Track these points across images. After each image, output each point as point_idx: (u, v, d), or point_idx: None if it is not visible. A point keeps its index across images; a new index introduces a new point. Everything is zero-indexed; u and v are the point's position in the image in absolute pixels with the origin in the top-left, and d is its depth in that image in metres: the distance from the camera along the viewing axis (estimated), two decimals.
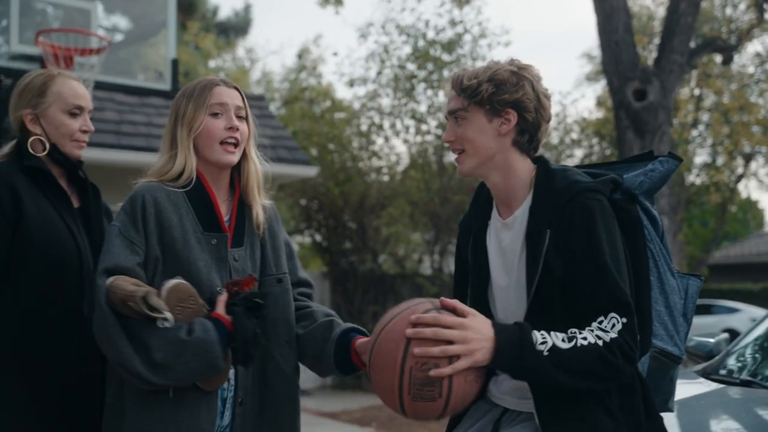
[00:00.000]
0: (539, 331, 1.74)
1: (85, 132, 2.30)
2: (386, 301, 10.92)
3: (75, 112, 2.28)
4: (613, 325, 1.74)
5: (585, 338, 1.73)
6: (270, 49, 34.24)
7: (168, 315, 1.82)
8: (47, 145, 2.24)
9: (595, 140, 12.36)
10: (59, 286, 2.13)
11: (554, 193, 1.85)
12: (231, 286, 1.96)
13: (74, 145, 2.28)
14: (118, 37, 7.85)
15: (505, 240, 1.94)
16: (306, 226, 11.98)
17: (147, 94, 7.87)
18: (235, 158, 2.08)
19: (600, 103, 13.35)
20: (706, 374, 3.04)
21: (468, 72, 1.92)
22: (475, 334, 1.70)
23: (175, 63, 6.62)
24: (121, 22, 9.14)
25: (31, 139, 2.23)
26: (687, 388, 2.79)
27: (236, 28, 23.95)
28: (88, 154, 2.41)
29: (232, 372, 1.99)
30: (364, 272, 10.79)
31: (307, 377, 9.83)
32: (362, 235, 10.79)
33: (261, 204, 2.12)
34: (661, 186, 2.01)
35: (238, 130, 2.09)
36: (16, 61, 6.17)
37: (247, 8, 24.58)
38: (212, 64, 19.44)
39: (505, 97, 1.87)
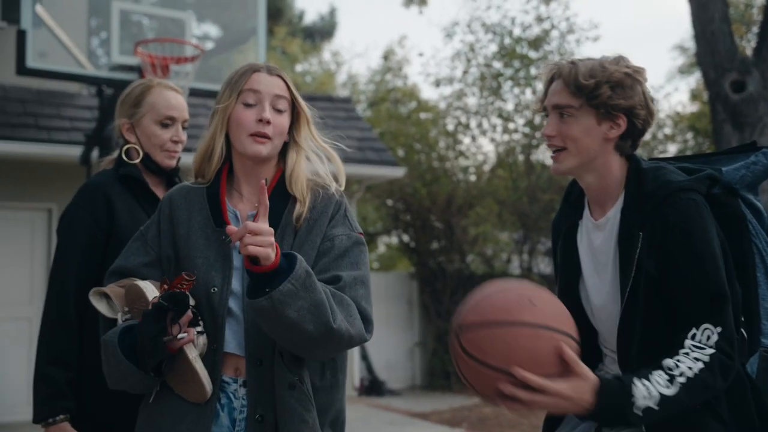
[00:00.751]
0: (640, 379, 1.65)
1: (176, 142, 2.33)
2: None
3: (166, 122, 2.32)
4: (708, 337, 1.68)
5: (682, 373, 1.66)
6: (355, 52, 34.62)
7: (118, 316, 1.85)
8: (141, 154, 2.32)
9: (689, 135, 11.98)
10: None
11: (646, 195, 1.79)
12: (162, 284, 1.82)
13: (165, 155, 2.33)
14: (209, 45, 8.11)
15: (597, 241, 1.90)
16: (393, 227, 12.07)
17: None
18: (264, 150, 1.89)
19: (694, 96, 12.92)
20: None
21: (582, 68, 1.82)
22: (570, 404, 1.61)
23: None
24: (212, 30, 9.43)
25: (126, 147, 2.33)
26: None
27: (322, 32, 24.29)
28: (184, 159, 2.50)
29: (241, 389, 1.83)
30: (452, 272, 10.79)
31: (397, 377, 9.99)
32: (450, 235, 10.79)
33: (309, 197, 1.93)
34: (764, 178, 1.93)
35: (269, 123, 1.89)
36: (117, 72, 6.36)
37: (333, 12, 24.90)
38: (299, 68, 19.81)
39: (620, 102, 1.80)
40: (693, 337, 1.69)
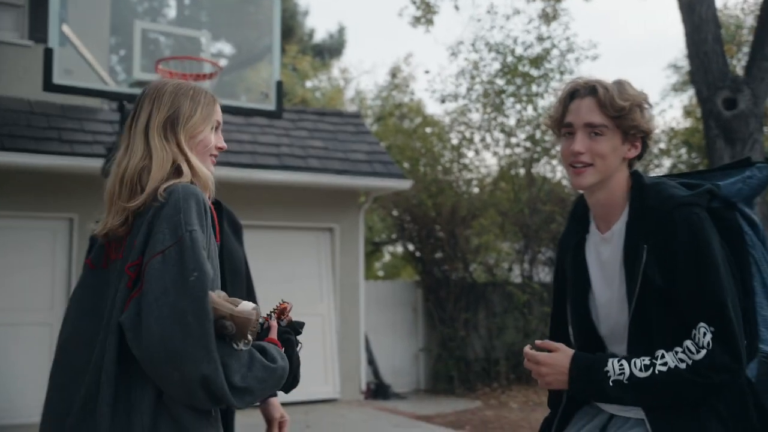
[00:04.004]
0: (619, 360, 1.83)
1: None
2: (477, 309, 11.13)
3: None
4: (704, 334, 1.76)
5: (665, 363, 1.78)
6: (363, 69, 34.97)
7: (250, 339, 1.70)
8: None
9: (683, 150, 12.25)
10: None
11: (650, 209, 1.86)
12: (279, 313, 1.87)
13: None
14: (223, 62, 8.37)
15: (605, 254, 1.97)
16: (399, 237, 12.32)
17: (251, 115, 8.43)
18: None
19: (688, 112, 13.21)
20: None
21: (618, 90, 1.90)
22: (549, 369, 1.90)
23: (279, 84, 7.10)
24: (226, 48, 9.75)
25: None
26: None
27: (331, 49, 24.62)
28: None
29: None
30: (456, 280, 11.03)
31: (403, 382, 10.19)
32: (453, 244, 11.04)
33: None
34: (760, 192, 2.02)
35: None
36: (137, 87, 6.54)
37: (341, 30, 25.25)
38: (309, 84, 20.16)
39: (644, 125, 1.91)
40: (691, 337, 1.78)
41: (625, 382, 1.80)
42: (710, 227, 1.83)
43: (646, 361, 1.80)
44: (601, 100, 1.88)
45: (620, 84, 1.92)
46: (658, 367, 1.78)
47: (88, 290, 1.88)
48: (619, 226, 1.93)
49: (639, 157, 1.97)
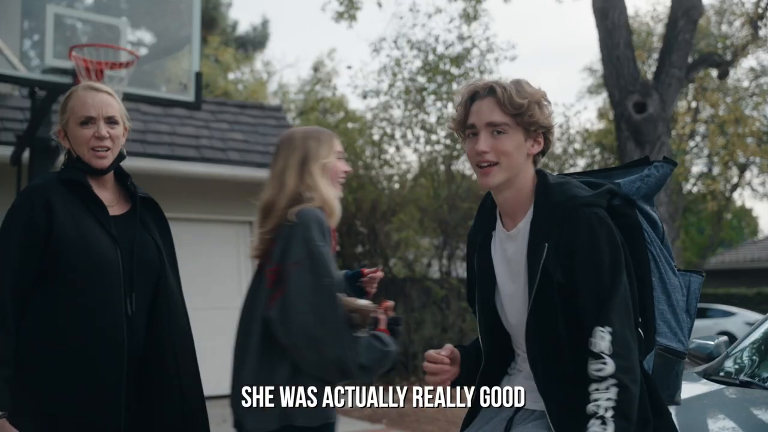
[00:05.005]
0: None
1: (99, 138, 2.27)
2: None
3: (85, 121, 2.28)
4: (602, 338, 1.78)
5: (607, 408, 1.75)
6: (286, 62, 34.90)
7: (368, 328, 2.25)
8: (74, 157, 2.32)
9: (596, 150, 12.66)
10: (101, 288, 2.19)
11: (553, 208, 1.90)
12: (387, 309, 2.37)
13: (92, 154, 2.28)
14: (143, 51, 8.19)
15: (510, 250, 2.00)
16: None
17: (171, 105, 8.28)
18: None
19: (601, 114, 13.67)
20: (707, 375, 3.08)
21: (515, 89, 1.93)
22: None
23: (198, 76, 6.99)
24: (146, 36, 9.54)
25: (63, 152, 2.37)
26: (688, 388, 2.79)
27: (254, 42, 24.36)
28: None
29: None
30: None
31: None
32: (374, 240, 11.12)
33: None
34: (657, 190, 2.07)
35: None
36: (50, 74, 6.32)
37: (265, 23, 25.01)
38: (231, 76, 19.93)
39: (544, 121, 1.94)
40: (593, 355, 1.78)
41: None
42: (610, 226, 1.86)
43: (596, 421, 1.75)
44: (500, 99, 1.91)
45: (518, 83, 1.96)
46: (607, 415, 1.74)
47: (250, 288, 2.42)
48: (524, 224, 1.96)
49: (543, 153, 2.00)
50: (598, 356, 1.78)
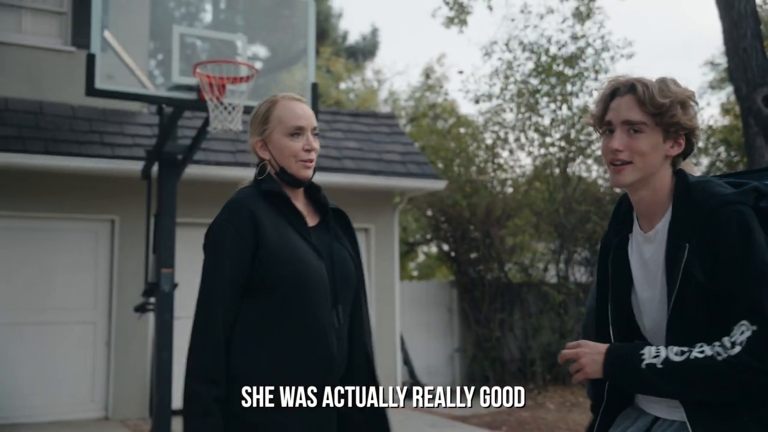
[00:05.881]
0: (657, 346, 1.83)
1: (308, 151, 2.28)
2: (513, 309, 11.11)
3: (296, 132, 2.28)
4: (742, 332, 1.73)
5: (702, 351, 1.77)
6: (396, 70, 35.05)
7: None
8: (277, 169, 2.29)
9: (722, 148, 12.09)
10: (310, 301, 2.14)
11: (694, 207, 1.85)
12: None
13: (300, 166, 2.28)
14: (259, 65, 8.43)
15: (647, 253, 1.96)
16: (433, 237, 12.35)
17: None
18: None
19: (726, 110, 13.04)
20: None
21: (658, 87, 1.90)
22: (586, 349, 1.91)
23: (314, 86, 7.17)
24: (260, 51, 9.85)
25: (261, 164, 2.31)
26: None
27: (364, 51, 24.72)
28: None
29: None
30: (491, 281, 11.03)
31: (438, 382, 10.18)
32: (488, 244, 11.04)
33: None
34: None
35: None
36: (175, 91, 6.58)
37: (374, 32, 25.35)
38: (343, 86, 20.29)
39: (686, 122, 1.90)
40: (729, 333, 1.76)
41: (660, 365, 1.79)
42: (756, 225, 1.80)
43: (684, 348, 1.80)
44: (640, 98, 1.88)
45: (663, 81, 1.92)
46: (695, 353, 1.77)
47: None
48: (663, 225, 1.92)
49: (685, 155, 1.96)
50: (727, 345, 1.75)
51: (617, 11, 33.71)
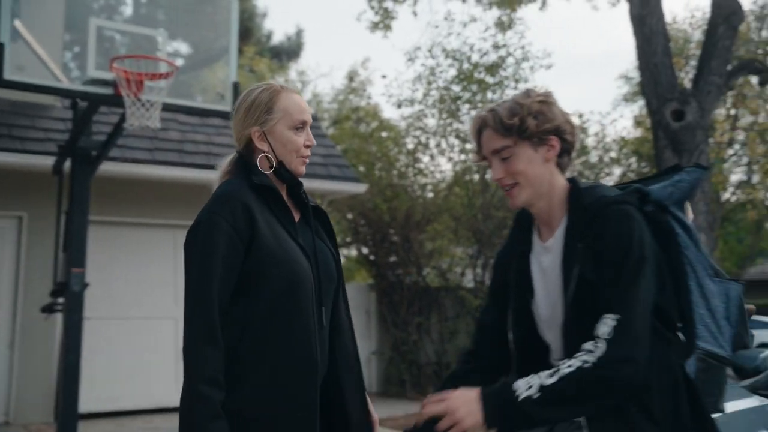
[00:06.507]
0: (529, 377, 1.79)
1: (308, 147, 2.22)
2: (430, 313, 11.21)
3: (300, 126, 2.20)
4: (606, 324, 1.76)
5: (570, 365, 1.77)
6: (320, 72, 34.97)
7: None
8: (273, 162, 2.19)
9: (633, 159, 12.51)
10: (298, 301, 2.07)
11: (584, 210, 1.92)
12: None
13: (300, 161, 2.20)
14: (180, 62, 8.28)
15: (546, 261, 2.02)
16: (353, 240, 12.36)
17: (207, 115, 8.38)
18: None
19: (638, 123, 13.52)
20: (755, 389, 3.06)
21: (501, 111, 1.98)
22: (458, 402, 1.80)
23: (236, 86, 7.08)
24: (183, 47, 9.65)
25: (259, 156, 2.18)
26: (736, 402, 2.85)
27: (289, 51, 24.58)
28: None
29: None
30: (409, 284, 11.10)
31: None
32: (407, 248, 11.11)
33: None
34: (690, 195, 2.07)
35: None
36: (91, 86, 6.40)
37: (299, 33, 25.25)
38: None
39: (547, 126, 1.96)
40: (597, 332, 1.78)
41: (536, 396, 1.75)
42: (640, 222, 1.87)
43: (554, 368, 1.79)
44: (493, 127, 1.98)
45: (514, 98, 2.01)
46: (563, 370, 1.77)
47: None
48: (560, 232, 1.99)
49: (566, 152, 2.02)
50: (594, 338, 1.77)
51: (538, 23, 34.54)
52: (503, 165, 1.99)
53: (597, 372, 1.73)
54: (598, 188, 1.99)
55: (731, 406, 2.78)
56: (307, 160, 2.23)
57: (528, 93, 2.02)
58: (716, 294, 2.01)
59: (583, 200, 1.95)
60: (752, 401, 2.92)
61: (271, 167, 2.18)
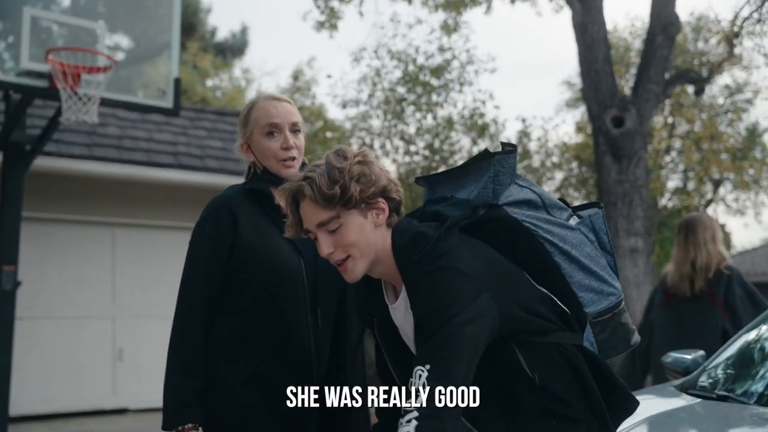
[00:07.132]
0: None
1: (286, 149, 2.28)
2: None
3: (271, 131, 2.29)
4: (420, 376, 1.62)
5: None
6: (265, 70, 34.78)
7: None
8: (260, 169, 2.32)
9: (574, 164, 12.75)
10: (283, 301, 2.18)
11: (404, 273, 1.80)
12: None
13: (280, 165, 2.28)
14: (120, 56, 8.12)
15: (399, 319, 1.91)
16: None
17: (148, 111, 8.22)
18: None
19: (579, 128, 13.77)
20: (684, 389, 3.10)
21: (319, 180, 1.79)
22: None
23: (177, 82, 6.94)
24: (123, 41, 9.45)
25: (248, 164, 2.37)
26: (665, 402, 2.93)
27: (233, 49, 24.34)
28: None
29: None
30: None
31: None
32: None
33: None
34: (512, 180, 1.95)
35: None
36: (25, 78, 6.22)
37: (244, 30, 24.98)
38: (210, 83, 19.85)
39: (372, 190, 1.81)
40: (409, 391, 1.64)
41: None
42: (441, 271, 1.70)
43: None
44: (313, 198, 1.78)
45: (329, 162, 1.83)
46: None
47: None
48: (404, 291, 1.85)
49: (393, 213, 1.86)
50: (408, 407, 1.61)
51: (483, 27, 35.02)
52: (332, 238, 1.80)
53: (428, 423, 1.58)
54: (412, 240, 1.79)
55: (661, 406, 2.87)
56: (293, 163, 2.29)
57: (343, 154, 1.84)
58: (583, 241, 1.92)
59: (403, 260, 1.79)
60: (680, 401, 2.97)
61: (260, 174, 2.33)
